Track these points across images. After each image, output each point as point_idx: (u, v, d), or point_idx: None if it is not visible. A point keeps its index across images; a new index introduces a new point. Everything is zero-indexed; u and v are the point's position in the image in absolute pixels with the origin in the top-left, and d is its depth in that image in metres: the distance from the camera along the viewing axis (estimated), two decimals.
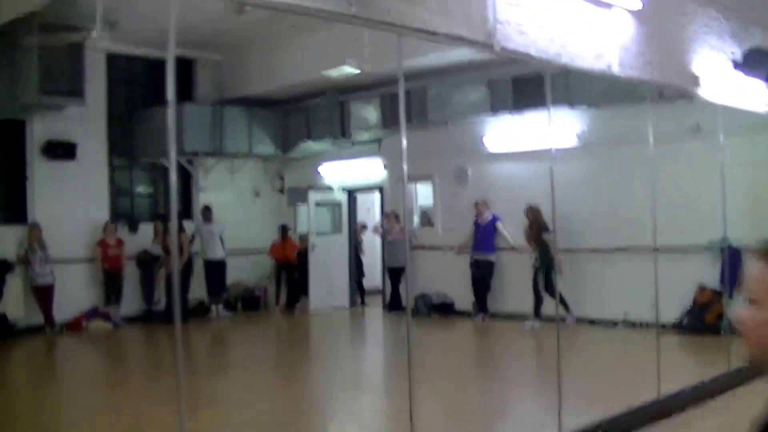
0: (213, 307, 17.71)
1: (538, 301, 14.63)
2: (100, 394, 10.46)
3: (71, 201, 16.23)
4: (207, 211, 17.77)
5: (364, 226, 19.99)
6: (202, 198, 18.45)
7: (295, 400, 10.05)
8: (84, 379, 11.08)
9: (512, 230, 15.70)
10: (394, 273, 17.60)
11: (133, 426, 8.65)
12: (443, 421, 8.28)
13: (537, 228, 14.71)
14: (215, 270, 17.70)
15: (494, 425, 8.48)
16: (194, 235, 17.80)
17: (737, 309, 2.25)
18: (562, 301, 14.02)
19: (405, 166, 6.45)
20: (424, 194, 17.89)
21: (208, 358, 13.73)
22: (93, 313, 16.36)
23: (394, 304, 17.66)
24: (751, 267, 2.18)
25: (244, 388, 10.52)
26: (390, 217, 17.77)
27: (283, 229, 18.83)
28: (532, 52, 7.42)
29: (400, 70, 6.38)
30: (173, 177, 5.45)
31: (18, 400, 9.82)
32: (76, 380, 10.98)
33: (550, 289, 14.03)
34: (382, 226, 18.25)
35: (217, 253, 17.69)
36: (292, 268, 18.63)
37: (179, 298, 5.79)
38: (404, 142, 6.37)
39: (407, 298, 6.88)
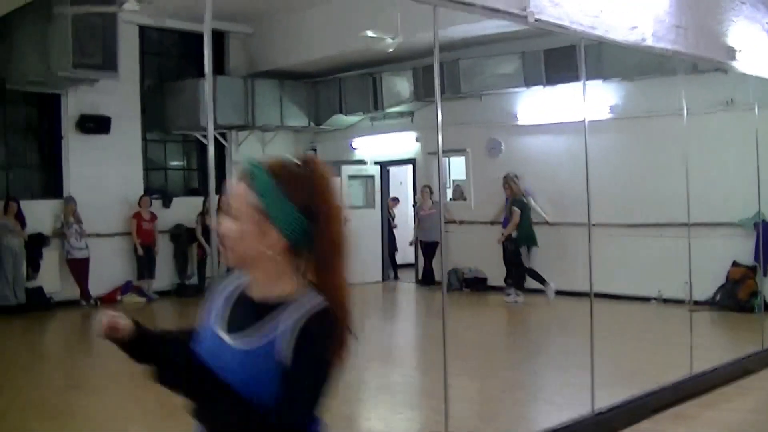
0: None
1: (519, 275, 14.99)
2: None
3: (105, 175, 16.29)
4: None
5: (396, 200, 19.93)
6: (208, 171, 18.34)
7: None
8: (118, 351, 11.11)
9: (544, 204, 15.64)
10: (428, 247, 17.56)
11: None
12: (476, 396, 8.26)
13: (513, 200, 15.02)
14: None
15: (526, 401, 8.45)
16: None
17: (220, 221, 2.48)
18: (537, 275, 14.55)
19: (440, 139, 6.37)
20: (456, 167, 17.77)
21: None
22: (127, 287, 16.47)
23: (426, 279, 17.65)
24: (232, 185, 2.46)
25: None
26: (423, 191, 17.71)
27: None
28: (566, 23, 7.34)
29: (436, 42, 6.32)
30: (211, 150, 5.42)
31: (54, 370, 9.87)
32: (111, 352, 11.01)
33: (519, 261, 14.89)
34: (415, 201, 18.23)
35: None
36: None
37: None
38: (439, 115, 6.30)
39: (442, 272, 6.80)
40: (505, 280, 15.54)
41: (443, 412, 6.06)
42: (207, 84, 5.26)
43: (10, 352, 12.29)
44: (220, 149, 18.52)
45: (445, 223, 16.43)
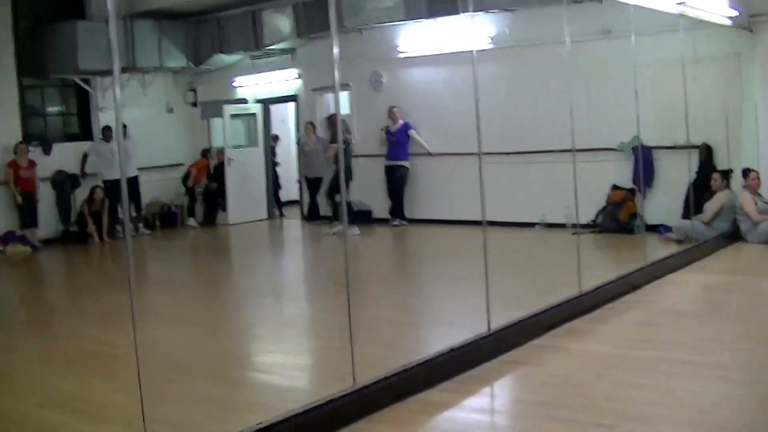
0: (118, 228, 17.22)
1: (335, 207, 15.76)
2: (30, 316, 10.42)
3: None
4: (107, 131, 17.41)
5: (277, 138, 19.94)
6: (108, 117, 18.13)
7: (226, 311, 10.12)
8: (10, 301, 10.99)
9: (426, 136, 15.87)
10: (312, 183, 17.65)
11: (62, 344, 8.68)
12: (375, 324, 8.41)
13: (332, 136, 15.29)
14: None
15: (425, 324, 8.67)
16: (86, 155, 17.57)
17: None
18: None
19: (337, 74, 6.40)
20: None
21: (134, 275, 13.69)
22: (10, 237, 16.15)
23: (312, 214, 17.78)
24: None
25: (175, 303, 10.56)
26: (306, 127, 17.75)
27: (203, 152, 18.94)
28: None
29: None
30: (118, 92, 5.36)
31: None
32: (2, 303, 10.89)
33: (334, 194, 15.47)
34: (298, 138, 18.31)
35: (127, 172, 16.89)
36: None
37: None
38: (336, 48, 6.32)
39: (342, 206, 6.91)
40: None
41: (348, 340, 6.18)
42: (111, 24, 5.13)
43: None
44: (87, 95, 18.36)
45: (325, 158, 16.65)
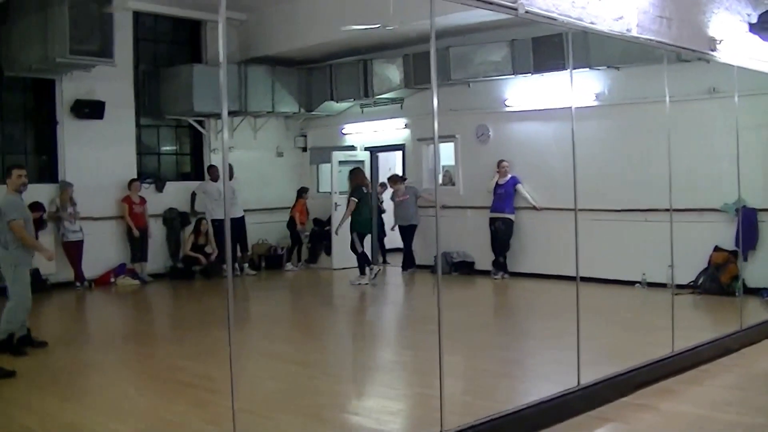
0: (236, 265, 17.64)
1: (364, 259, 16.14)
2: (134, 344, 10.76)
3: (100, 159, 16.51)
4: (213, 170, 17.98)
5: (385, 186, 20.18)
6: (220, 158, 18.66)
7: (324, 353, 10.33)
8: (116, 331, 11.34)
9: (530, 190, 15.92)
10: (405, 231, 17.87)
11: (162, 375, 8.96)
12: (467, 373, 8.52)
13: (352, 189, 16.11)
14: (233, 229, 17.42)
15: (515, 377, 8.72)
16: (194, 194, 18.11)
17: None
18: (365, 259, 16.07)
19: (436, 125, 6.62)
20: (446, 153, 17.98)
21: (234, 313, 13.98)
22: (121, 269, 16.71)
23: (407, 263, 17.95)
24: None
25: (272, 341, 10.80)
26: (394, 179, 18.02)
27: (298, 192, 19.21)
28: (555, 14, 7.61)
29: (433, 33, 6.58)
30: (225, 134, 5.64)
31: (56, 351, 10.08)
32: (110, 332, 11.24)
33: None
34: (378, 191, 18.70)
35: (233, 212, 17.37)
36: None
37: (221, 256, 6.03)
38: (435, 101, 6.53)
39: (436, 256, 7.07)
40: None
41: (438, 387, 6.31)
42: (222, 70, 5.46)
43: None
44: (200, 136, 19.01)
45: (423, 207, 16.89)
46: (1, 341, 9.73)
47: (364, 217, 16.19)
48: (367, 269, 16.11)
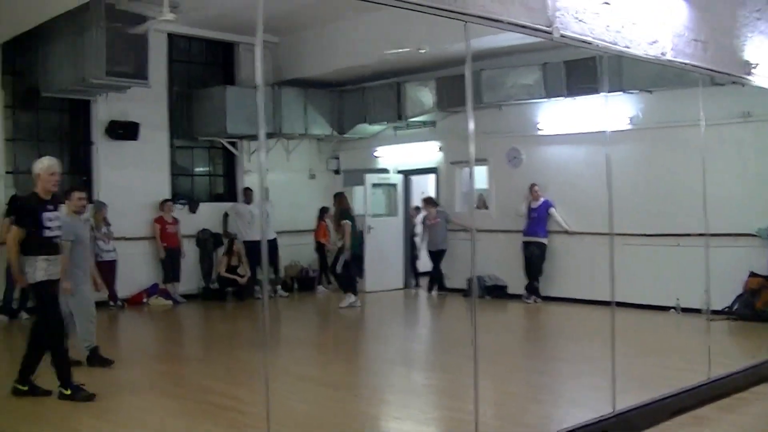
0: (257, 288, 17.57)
1: (345, 280, 16.41)
2: (166, 364, 10.78)
3: (134, 180, 16.64)
4: (248, 192, 18.06)
5: (418, 209, 20.15)
6: (253, 180, 18.77)
7: (356, 375, 10.32)
8: (149, 350, 11.34)
9: (563, 214, 15.86)
10: (435, 256, 17.95)
11: (194, 396, 8.97)
12: (501, 397, 8.48)
13: (339, 212, 16.24)
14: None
15: (549, 402, 8.67)
16: (227, 215, 18.23)
17: None
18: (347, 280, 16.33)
19: (472, 149, 6.62)
20: (478, 177, 17.95)
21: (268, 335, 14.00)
22: (153, 290, 16.80)
23: (432, 284, 18.05)
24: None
25: (304, 363, 10.79)
26: (427, 201, 18.05)
27: (320, 211, 19.19)
28: (589, 38, 7.61)
29: (468, 57, 6.56)
30: (263, 156, 5.67)
31: (89, 370, 10.11)
32: (143, 351, 11.26)
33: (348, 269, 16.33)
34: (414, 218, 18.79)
35: (267, 234, 17.21)
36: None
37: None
38: (471, 125, 6.54)
39: (470, 279, 7.05)
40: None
41: (471, 412, 6.30)
42: (259, 92, 5.54)
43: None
44: (233, 157, 19.15)
45: (455, 231, 16.92)
46: (88, 357, 10.20)
47: (353, 239, 16.27)
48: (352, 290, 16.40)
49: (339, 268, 16.32)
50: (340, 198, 16.57)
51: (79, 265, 10.11)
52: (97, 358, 10.31)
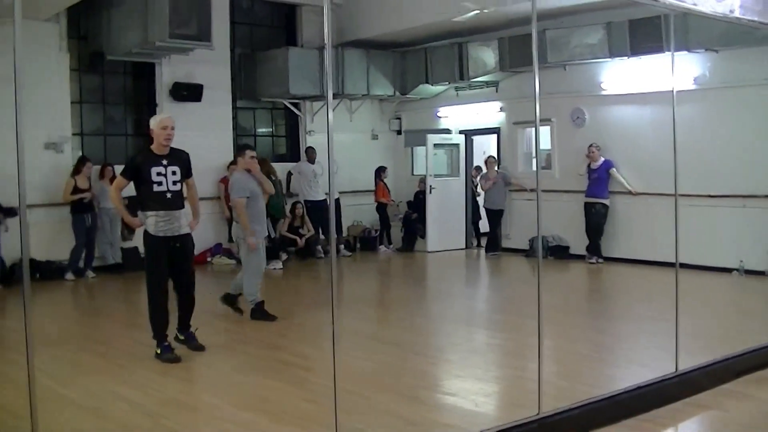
0: (318, 247, 17.86)
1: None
2: (229, 322, 10.90)
3: (197, 141, 16.64)
4: (311, 152, 18.11)
5: (479, 169, 20.12)
6: (315, 140, 18.88)
7: (419, 334, 10.39)
8: (212, 310, 11.43)
9: (626, 174, 15.75)
10: (493, 215, 18.02)
11: (258, 353, 9.10)
12: (563, 357, 8.50)
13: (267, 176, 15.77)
14: (323, 210, 17.67)
15: (611, 362, 8.68)
16: (290, 174, 18.38)
17: None
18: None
19: (537, 108, 6.59)
20: (541, 137, 17.84)
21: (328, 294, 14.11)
22: (217, 249, 17.01)
23: (491, 246, 18.10)
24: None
25: (367, 322, 10.88)
26: (489, 161, 18.08)
27: (377, 171, 19.32)
28: None
29: (534, 14, 6.52)
30: (330, 116, 5.70)
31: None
32: (206, 311, 11.38)
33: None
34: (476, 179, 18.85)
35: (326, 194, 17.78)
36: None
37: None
38: (537, 85, 6.51)
39: (538, 241, 7.05)
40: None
41: (534, 371, 6.33)
42: (327, 53, 5.59)
43: (111, 309, 12.87)
44: (295, 118, 19.31)
45: (516, 191, 16.93)
46: (252, 310, 10.85)
47: (275, 202, 16.30)
48: (281, 253, 16.91)
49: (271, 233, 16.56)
50: (263, 163, 16.22)
51: (256, 220, 10.58)
52: (260, 313, 10.74)
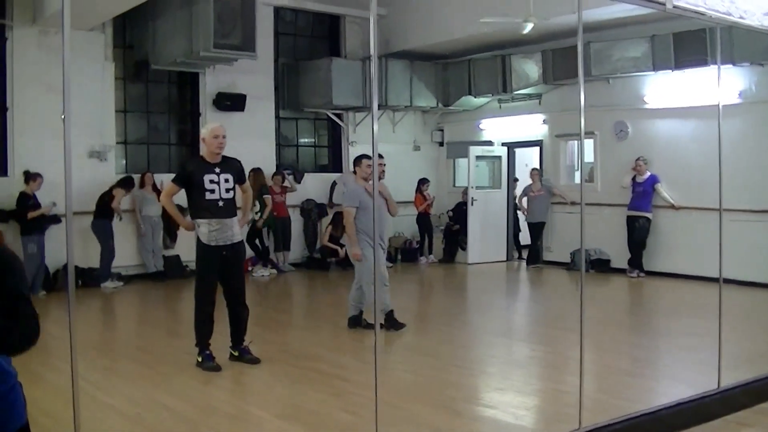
0: None
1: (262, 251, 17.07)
2: (270, 332, 10.94)
3: (240, 150, 16.58)
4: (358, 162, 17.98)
5: (517, 180, 20.03)
6: (358, 151, 18.92)
7: (459, 346, 10.37)
8: (253, 318, 11.52)
9: (669, 188, 15.66)
10: (534, 228, 18.02)
11: (298, 363, 9.12)
12: (603, 371, 8.46)
13: (258, 187, 16.23)
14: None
15: (651, 377, 8.62)
16: (335, 184, 18.44)
17: None
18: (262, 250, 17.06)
19: (582, 122, 6.56)
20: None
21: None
22: (256, 260, 17.05)
23: (531, 258, 18.05)
24: None
25: (409, 333, 10.83)
26: (533, 173, 18.05)
27: (419, 182, 19.32)
28: (702, 9, 7.47)
29: (580, 26, 6.50)
30: (375, 127, 5.71)
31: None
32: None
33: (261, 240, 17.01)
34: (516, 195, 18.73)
35: None
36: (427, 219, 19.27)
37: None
38: (582, 97, 6.48)
39: (581, 254, 7.02)
40: None
41: (574, 384, 6.31)
42: (373, 64, 5.60)
43: (153, 317, 12.99)
44: (338, 129, 19.48)
45: (558, 203, 16.91)
46: (353, 316, 10.91)
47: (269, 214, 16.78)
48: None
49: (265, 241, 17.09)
50: (257, 174, 16.53)
51: (363, 231, 10.55)
52: (390, 322, 10.68)
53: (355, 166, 10.96)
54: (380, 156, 10.87)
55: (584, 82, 6.54)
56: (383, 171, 11.08)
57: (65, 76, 4.19)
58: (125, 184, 15.22)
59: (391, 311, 10.71)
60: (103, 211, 14.83)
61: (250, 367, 8.83)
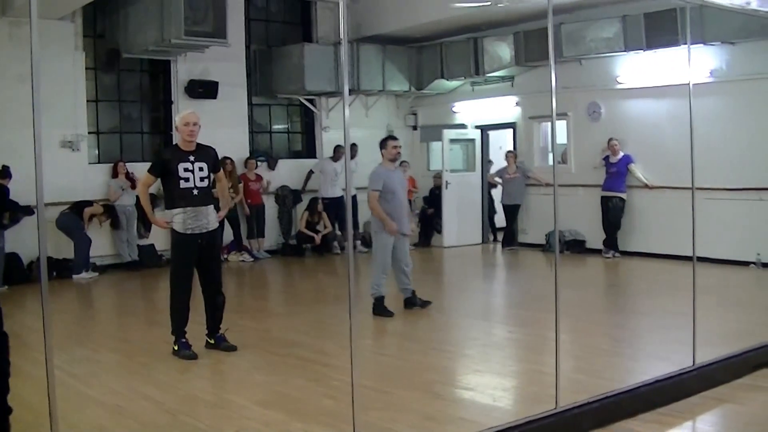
0: (335, 243, 17.97)
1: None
2: (248, 319, 10.93)
3: (213, 138, 16.58)
4: (339, 150, 17.97)
5: (491, 163, 20.03)
6: (331, 136, 18.96)
7: (437, 329, 10.38)
8: (231, 306, 11.52)
9: (642, 168, 15.72)
10: (510, 211, 18.09)
11: (277, 350, 9.12)
12: (580, 351, 8.49)
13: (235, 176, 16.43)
14: (340, 207, 17.64)
15: (628, 356, 8.66)
16: (311, 172, 18.37)
17: None
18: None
19: (554, 103, 6.56)
20: (557, 132, 17.81)
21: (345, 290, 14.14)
22: (233, 246, 17.03)
23: (507, 241, 18.12)
24: None
25: (387, 317, 10.86)
26: (508, 155, 18.04)
27: None
28: None
29: (550, 7, 6.48)
30: (347, 112, 5.69)
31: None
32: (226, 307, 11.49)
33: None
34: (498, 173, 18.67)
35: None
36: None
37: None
38: (553, 79, 6.48)
39: (555, 235, 7.03)
40: None
41: (552, 365, 6.33)
42: (344, 49, 5.61)
43: (129, 307, 12.93)
44: (311, 114, 19.37)
45: (532, 185, 16.94)
46: (374, 304, 10.92)
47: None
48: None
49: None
50: (226, 161, 16.26)
51: (390, 214, 10.66)
52: (380, 308, 10.87)
53: (381, 148, 11.01)
54: (396, 138, 11.04)
55: (556, 64, 6.55)
56: (399, 153, 11.12)
57: (34, 66, 4.15)
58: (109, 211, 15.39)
59: (382, 297, 10.86)
60: (76, 210, 14.88)
61: (228, 354, 8.81)
